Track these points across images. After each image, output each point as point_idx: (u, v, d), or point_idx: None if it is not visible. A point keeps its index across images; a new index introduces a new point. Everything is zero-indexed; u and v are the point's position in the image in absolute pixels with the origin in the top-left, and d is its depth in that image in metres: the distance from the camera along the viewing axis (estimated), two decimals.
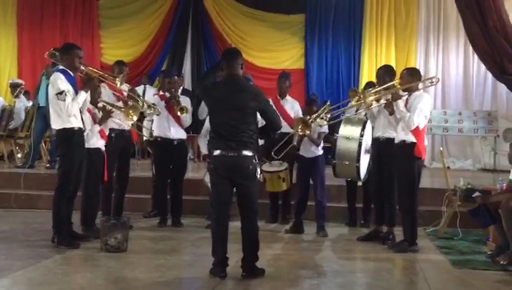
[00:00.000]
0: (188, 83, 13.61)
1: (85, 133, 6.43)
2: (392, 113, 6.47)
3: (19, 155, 11.09)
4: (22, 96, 11.72)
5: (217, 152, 5.20)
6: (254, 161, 5.21)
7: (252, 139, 5.22)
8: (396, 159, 6.46)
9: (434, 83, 7.01)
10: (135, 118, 7.00)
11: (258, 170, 5.32)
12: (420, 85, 6.59)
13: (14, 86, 11.79)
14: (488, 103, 12.95)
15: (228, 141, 5.13)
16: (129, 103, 7.06)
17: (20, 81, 12.19)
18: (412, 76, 6.51)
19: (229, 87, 5.28)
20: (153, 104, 7.46)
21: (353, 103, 6.81)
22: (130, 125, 7.26)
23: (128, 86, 7.27)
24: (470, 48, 11.94)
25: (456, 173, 10.28)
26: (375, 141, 6.93)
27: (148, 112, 7.38)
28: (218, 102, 5.23)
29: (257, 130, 5.32)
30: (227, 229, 5.29)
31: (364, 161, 7.05)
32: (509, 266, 5.78)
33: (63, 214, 6.22)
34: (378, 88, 6.68)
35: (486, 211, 6.06)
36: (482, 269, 5.85)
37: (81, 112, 6.28)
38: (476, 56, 11.89)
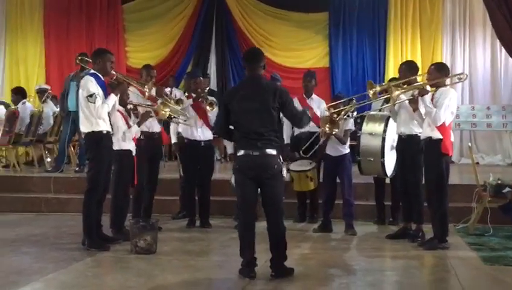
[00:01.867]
0: (213, 84, 13.66)
1: (119, 135, 6.51)
2: (416, 109, 6.42)
3: (48, 160, 11.23)
4: (49, 101, 11.88)
5: (241, 152, 5.24)
6: (279, 160, 5.25)
7: (276, 138, 5.27)
8: (422, 156, 6.41)
9: (462, 79, 6.97)
10: (168, 111, 7.09)
11: (284, 169, 5.33)
12: (447, 81, 6.53)
13: (41, 92, 11.96)
14: None
15: (253, 140, 5.16)
16: (158, 101, 7.14)
17: (46, 86, 12.36)
18: (440, 72, 6.45)
19: (251, 89, 5.32)
20: (180, 98, 7.56)
21: (371, 95, 6.75)
22: (162, 121, 7.38)
23: (155, 86, 7.32)
24: (497, 42, 11.83)
25: (486, 168, 10.16)
26: (397, 137, 6.90)
27: (176, 107, 7.40)
28: (242, 103, 5.25)
29: (280, 129, 5.36)
30: (254, 230, 5.30)
31: (391, 157, 7.02)
32: None
33: (93, 217, 6.29)
34: (403, 81, 6.61)
35: None
36: None
37: (109, 115, 6.36)
38: (503, 49, 11.78)
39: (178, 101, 7.51)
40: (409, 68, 6.85)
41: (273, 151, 5.20)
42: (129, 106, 6.85)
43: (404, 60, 8.54)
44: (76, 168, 10.10)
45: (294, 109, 5.51)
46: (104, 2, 14.26)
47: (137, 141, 6.96)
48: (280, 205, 5.34)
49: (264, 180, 5.21)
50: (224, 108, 5.40)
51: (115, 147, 6.49)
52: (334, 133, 7.09)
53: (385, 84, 6.84)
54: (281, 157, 5.33)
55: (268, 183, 5.22)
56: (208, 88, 8.57)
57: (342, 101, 7.21)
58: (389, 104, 6.84)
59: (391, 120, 7.01)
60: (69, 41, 14.17)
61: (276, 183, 5.26)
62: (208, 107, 7.60)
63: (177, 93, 9.90)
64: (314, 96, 8.17)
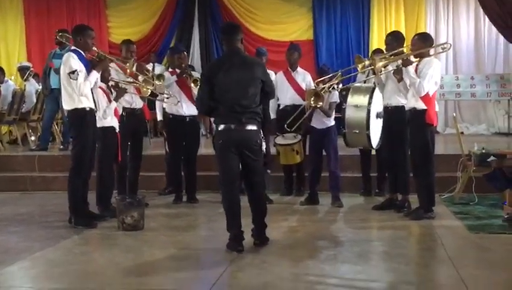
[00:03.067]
0: (197, 59, 13.61)
1: (100, 113, 6.46)
2: (400, 80, 6.42)
3: (32, 138, 11.15)
4: (31, 79, 11.75)
5: (222, 126, 5.25)
6: (260, 134, 5.32)
7: (259, 113, 5.30)
8: (408, 127, 6.43)
9: (446, 49, 6.95)
10: (150, 88, 7.06)
11: (263, 144, 5.39)
12: (431, 51, 6.52)
13: (22, 69, 11.82)
14: (501, 66, 12.80)
15: (237, 113, 5.18)
16: (139, 77, 7.08)
17: (28, 64, 12.22)
18: (424, 42, 6.43)
19: (235, 61, 5.31)
20: (161, 74, 7.52)
21: (359, 69, 6.77)
22: (145, 98, 7.37)
23: (136, 62, 7.25)
24: (481, 11, 11.82)
25: (470, 138, 10.22)
26: (384, 109, 6.90)
27: (157, 83, 7.35)
28: (228, 75, 5.22)
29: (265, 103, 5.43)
30: (239, 203, 5.33)
31: (376, 127, 7.02)
32: None
33: (78, 194, 6.27)
34: (388, 54, 6.63)
35: (502, 174, 6.04)
36: (499, 233, 5.85)
37: (93, 92, 6.30)
38: (487, 19, 11.79)
39: (159, 77, 7.46)
40: (395, 39, 6.83)
41: (255, 127, 5.25)
42: (110, 83, 6.78)
43: (389, 31, 8.51)
44: (61, 146, 10.04)
45: (272, 84, 5.66)
46: None
47: (120, 118, 6.92)
48: (262, 177, 5.47)
49: (246, 153, 5.24)
50: (207, 82, 5.31)
51: (98, 124, 6.44)
52: (319, 106, 7.07)
53: (372, 58, 6.82)
54: (261, 131, 5.36)
55: (250, 157, 5.26)
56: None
57: (329, 76, 7.16)
58: (374, 76, 6.83)
59: (376, 92, 7.00)
60: (50, 17, 14.02)
61: (257, 157, 5.31)
62: (192, 84, 7.54)
63: (159, 69, 9.82)
64: (299, 69, 8.12)
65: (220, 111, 5.28)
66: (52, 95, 9.84)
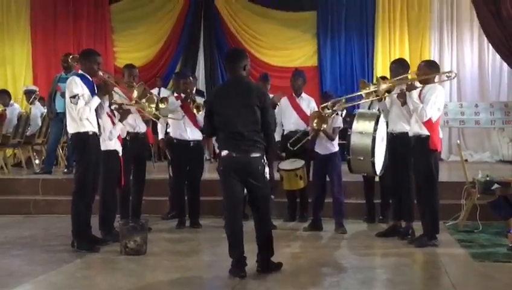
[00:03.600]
0: (201, 84, 13.65)
1: (106, 135, 6.49)
2: (404, 103, 6.44)
3: (37, 161, 11.18)
4: (37, 102, 11.81)
5: (224, 152, 5.27)
6: (262, 161, 5.27)
7: (260, 139, 5.27)
8: (412, 153, 6.43)
9: (451, 77, 6.96)
10: (154, 107, 7.06)
11: (267, 170, 5.34)
12: (436, 78, 6.55)
13: (28, 93, 11.89)
14: (505, 93, 12.82)
15: (236, 141, 5.19)
16: (142, 100, 7.09)
17: (34, 87, 12.29)
18: (430, 68, 6.47)
19: (233, 89, 5.33)
20: (164, 97, 7.57)
21: (364, 94, 6.79)
22: (150, 122, 7.38)
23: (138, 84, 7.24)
24: (485, 39, 11.87)
25: (474, 165, 10.20)
26: (388, 135, 6.92)
27: (161, 106, 7.37)
28: (224, 104, 5.26)
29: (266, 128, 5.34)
30: (242, 229, 5.31)
31: (380, 153, 7.03)
32: None
33: (81, 218, 6.26)
34: (393, 79, 6.66)
35: (506, 202, 6.01)
36: (504, 261, 5.81)
37: (99, 116, 6.33)
38: (490, 47, 11.83)
39: (162, 100, 7.48)
40: (401, 66, 6.85)
41: (257, 154, 5.22)
42: (113, 106, 6.81)
43: (394, 58, 8.56)
44: (65, 170, 10.05)
45: (272, 116, 5.54)
46: (91, 2, 14.25)
47: (123, 141, 6.94)
48: (267, 203, 5.43)
49: (249, 180, 5.25)
50: (208, 108, 5.42)
51: (102, 147, 6.46)
52: (322, 128, 7.08)
53: (377, 82, 6.85)
54: (265, 157, 5.32)
55: (253, 183, 5.26)
56: (194, 88, 8.52)
57: (332, 101, 7.18)
58: (377, 98, 6.85)
59: (381, 118, 7.02)
60: (56, 42, 14.14)
61: (261, 184, 5.28)
62: (194, 110, 7.57)
63: (165, 93, 9.87)
64: (303, 94, 8.16)
65: (220, 137, 5.35)
66: (57, 119, 9.88)
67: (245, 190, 5.34)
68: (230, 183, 5.27)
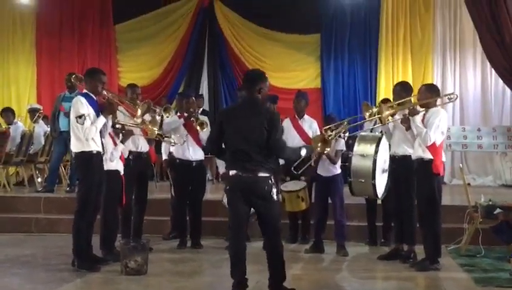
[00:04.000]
0: (205, 105, 13.67)
1: (107, 155, 6.51)
2: (408, 128, 6.45)
3: (39, 180, 11.18)
4: (40, 121, 11.86)
5: (231, 172, 5.25)
6: (270, 181, 5.21)
7: (269, 161, 5.24)
8: (415, 177, 6.43)
9: (452, 99, 7.00)
10: (156, 130, 7.08)
11: (274, 191, 5.28)
12: (438, 101, 6.57)
13: (32, 111, 11.95)
14: (508, 118, 12.82)
15: (243, 161, 5.16)
16: (146, 116, 7.11)
17: (38, 106, 12.34)
18: (431, 92, 6.49)
19: (245, 110, 5.33)
20: (168, 106, 7.65)
21: (367, 117, 6.81)
22: (153, 141, 7.40)
23: (142, 102, 7.25)
24: (487, 64, 11.90)
25: (477, 189, 10.18)
26: (391, 158, 6.92)
27: (165, 116, 7.40)
28: (235, 123, 5.26)
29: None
30: (245, 250, 5.26)
31: (382, 178, 7.03)
32: None
33: (83, 237, 6.25)
34: (395, 103, 6.68)
35: (509, 227, 6.00)
36: (507, 286, 5.77)
37: (102, 136, 6.35)
38: (493, 71, 11.85)
39: (166, 109, 7.49)
40: (404, 89, 6.88)
41: (264, 174, 5.18)
42: (117, 126, 6.84)
43: (397, 82, 8.60)
44: (67, 188, 10.05)
45: (278, 137, 5.36)
46: (97, 22, 14.32)
47: (126, 161, 6.95)
48: (277, 223, 5.34)
49: (256, 201, 5.20)
50: (218, 126, 5.39)
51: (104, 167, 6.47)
52: (325, 152, 7.09)
53: (379, 105, 6.88)
54: (272, 178, 5.27)
55: (261, 204, 5.21)
56: (201, 108, 8.57)
57: (335, 124, 7.19)
58: (380, 124, 6.87)
59: (383, 141, 7.04)
60: (61, 61, 14.20)
61: (268, 204, 5.22)
62: (198, 127, 7.61)
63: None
64: (306, 116, 8.18)
65: (227, 156, 5.35)
66: (60, 138, 9.92)
67: (251, 210, 5.31)
68: (235, 203, 5.24)
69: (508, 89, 11.85)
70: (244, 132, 5.19)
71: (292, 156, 5.90)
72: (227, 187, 5.38)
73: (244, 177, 5.16)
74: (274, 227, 5.29)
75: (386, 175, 7.07)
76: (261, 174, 5.16)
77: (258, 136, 5.18)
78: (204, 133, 7.63)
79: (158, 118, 7.33)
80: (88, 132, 6.14)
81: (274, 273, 5.25)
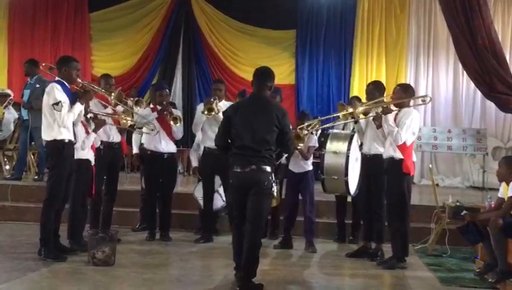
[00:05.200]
0: (178, 97, 13.62)
1: (79, 144, 6.44)
2: (379, 126, 6.49)
3: (7, 167, 11.01)
4: (11, 107, 11.66)
5: (235, 168, 5.35)
6: (271, 177, 5.32)
7: (272, 157, 5.37)
8: (385, 176, 6.48)
9: (426, 101, 7.07)
10: (129, 120, 7.05)
11: (275, 187, 5.43)
12: (411, 102, 6.62)
13: (2, 97, 11.74)
14: (477, 120, 13.00)
15: (248, 156, 5.28)
16: (118, 107, 7.08)
17: (8, 91, 12.12)
18: (405, 92, 6.54)
19: (254, 107, 5.46)
20: (139, 99, 7.60)
21: (341, 116, 6.84)
22: (125, 131, 7.40)
23: (116, 91, 7.20)
24: (460, 66, 12.00)
25: (445, 190, 10.31)
26: (363, 156, 6.96)
27: (135, 109, 7.36)
28: (244, 118, 5.37)
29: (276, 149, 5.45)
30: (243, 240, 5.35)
31: (355, 174, 7.07)
32: (497, 283, 5.79)
33: (50, 226, 6.18)
34: (369, 102, 6.72)
35: (475, 228, 6.07)
36: (471, 286, 5.87)
37: (74, 124, 6.28)
38: (465, 74, 11.94)
39: (137, 102, 7.45)
40: (377, 88, 6.93)
41: (267, 168, 5.29)
42: (89, 115, 6.77)
43: (370, 80, 8.65)
44: (35, 177, 9.93)
45: (290, 139, 5.60)
46: (71, 9, 14.14)
47: (97, 150, 6.89)
48: (261, 221, 5.40)
49: (253, 193, 5.28)
50: (226, 121, 5.49)
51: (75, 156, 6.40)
52: (298, 148, 7.10)
53: (352, 103, 6.92)
54: (273, 175, 5.38)
55: (255, 197, 5.27)
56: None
57: (309, 123, 7.20)
58: (353, 121, 6.91)
59: (355, 139, 7.08)
60: (34, 47, 13.99)
61: (262, 199, 5.31)
62: (171, 122, 7.56)
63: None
64: None
65: (233, 151, 5.42)
66: (23, 126, 9.84)
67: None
68: (235, 195, 5.44)
69: (479, 92, 11.95)
70: (253, 128, 5.30)
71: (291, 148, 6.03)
72: (231, 181, 5.45)
73: (248, 173, 5.26)
74: (259, 222, 5.33)
75: (358, 167, 7.10)
76: (264, 170, 5.28)
77: (267, 132, 5.30)
78: (177, 128, 7.59)
79: (133, 108, 7.28)
80: (66, 119, 6.07)
81: (245, 267, 5.27)
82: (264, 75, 5.57)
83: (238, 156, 5.34)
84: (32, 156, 11.08)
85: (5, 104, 11.51)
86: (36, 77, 9.60)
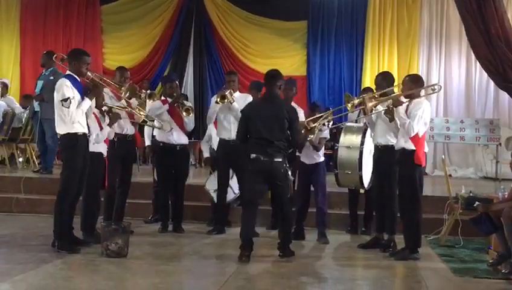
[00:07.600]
0: (190, 89, 13.65)
1: (93, 137, 6.47)
2: (392, 120, 6.46)
3: (21, 159, 11.06)
4: (8, 96, 11.63)
5: (253, 155, 6.21)
6: (285, 165, 6.23)
7: (285, 147, 6.25)
8: (397, 167, 6.45)
9: (436, 90, 7.02)
10: (143, 114, 7.12)
11: (289, 172, 6.35)
12: (422, 92, 6.58)
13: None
14: (490, 111, 12.91)
15: (264, 146, 6.14)
16: (132, 101, 7.11)
17: (6, 80, 12.11)
18: (414, 83, 6.50)
19: (268, 103, 6.43)
20: (152, 92, 7.88)
21: (349, 108, 6.80)
22: (137, 124, 7.56)
23: (126, 85, 7.21)
24: (472, 56, 11.92)
25: (458, 181, 10.27)
26: (374, 148, 6.94)
27: (149, 102, 7.45)
28: (259, 114, 6.27)
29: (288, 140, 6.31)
30: (255, 217, 6.35)
31: (368, 167, 7.05)
32: (510, 274, 5.75)
33: (64, 219, 6.21)
34: (378, 93, 6.68)
35: (488, 219, 6.03)
36: (484, 277, 5.83)
37: (86, 116, 6.31)
38: (478, 64, 11.88)
39: (151, 95, 7.49)
40: (384, 79, 6.90)
41: (280, 158, 6.17)
42: (104, 108, 6.78)
43: (380, 71, 8.61)
44: (35, 169, 9.98)
45: (299, 133, 6.52)
46: (82, 2, 14.20)
47: (110, 143, 6.92)
48: (286, 198, 6.31)
49: (273, 181, 6.24)
50: (245, 118, 6.39)
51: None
52: (308, 139, 7.09)
53: (362, 97, 6.89)
54: (286, 162, 6.24)
55: (278, 185, 6.23)
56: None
57: (319, 115, 7.19)
58: (364, 115, 6.88)
59: (368, 132, 7.05)
60: (46, 39, 14.08)
61: (283, 184, 6.24)
62: (184, 113, 7.57)
63: None
64: (293, 104, 8.13)
65: (250, 142, 6.30)
66: (35, 118, 9.88)
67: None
68: (252, 180, 6.27)
69: (491, 82, 11.90)
70: (268, 122, 6.20)
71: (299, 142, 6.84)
72: (249, 168, 6.25)
73: (264, 161, 6.15)
74: (286, 201, 6.30)
75: (371, 166, 7.09)
76: (277, 159, 6.16)
77: (281, 125, 6.21)
78: (189, 119, 7.61)
79: (147, 101, 7.33)
80: (74, 115, 6.09)
81: (283, 237, 6.31)
82: (274, 77, 6.53)
83: (256, 146, 6.20)
84: (32, 150, 11.09)
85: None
86: (52, 69, 9.62)
